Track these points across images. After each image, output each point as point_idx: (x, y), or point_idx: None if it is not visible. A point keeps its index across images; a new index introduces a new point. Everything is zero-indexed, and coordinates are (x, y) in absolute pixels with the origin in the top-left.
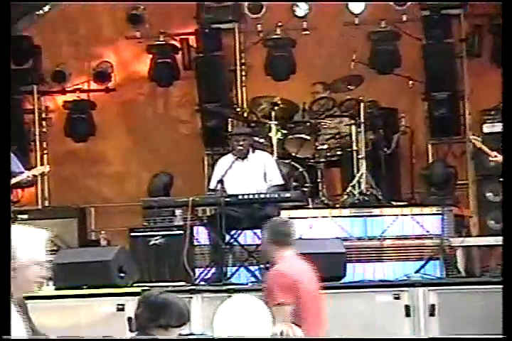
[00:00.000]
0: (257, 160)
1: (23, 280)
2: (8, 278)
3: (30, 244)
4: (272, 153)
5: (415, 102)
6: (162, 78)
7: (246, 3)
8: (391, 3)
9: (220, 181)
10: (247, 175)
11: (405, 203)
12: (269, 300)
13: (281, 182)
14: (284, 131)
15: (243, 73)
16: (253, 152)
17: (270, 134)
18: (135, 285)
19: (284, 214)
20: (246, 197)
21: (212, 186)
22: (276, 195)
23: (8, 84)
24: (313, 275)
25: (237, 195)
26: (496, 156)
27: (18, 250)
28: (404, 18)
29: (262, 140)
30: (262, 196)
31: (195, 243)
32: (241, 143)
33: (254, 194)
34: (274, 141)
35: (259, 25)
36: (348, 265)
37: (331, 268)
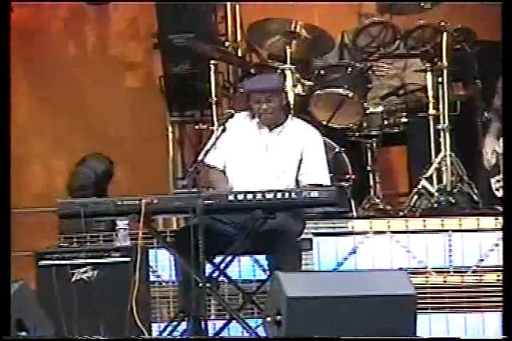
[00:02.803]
0: (294, 136)
1: None
2: (8, 276)
3: None
4: None
5: None
6: None
7: None
8: None
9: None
10: (268, 159)
11: None
12: None
13: (326, 182)
14: (309, 83)
15: None
16: (290, 119)
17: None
18: None
19: (310, 230)
20: (242, 197)
21: (210, 161)
22: (295, 196)
23: (8, 83)
24: None
25: (226, 195)
26: None
27: None
28: None
29: None
30: (270, 196)
31: (153, 278)
32: (264, 105)
33: (256, 192)
34: (291, 99)
35: None
36: (421, 316)
37: (392, 322)
